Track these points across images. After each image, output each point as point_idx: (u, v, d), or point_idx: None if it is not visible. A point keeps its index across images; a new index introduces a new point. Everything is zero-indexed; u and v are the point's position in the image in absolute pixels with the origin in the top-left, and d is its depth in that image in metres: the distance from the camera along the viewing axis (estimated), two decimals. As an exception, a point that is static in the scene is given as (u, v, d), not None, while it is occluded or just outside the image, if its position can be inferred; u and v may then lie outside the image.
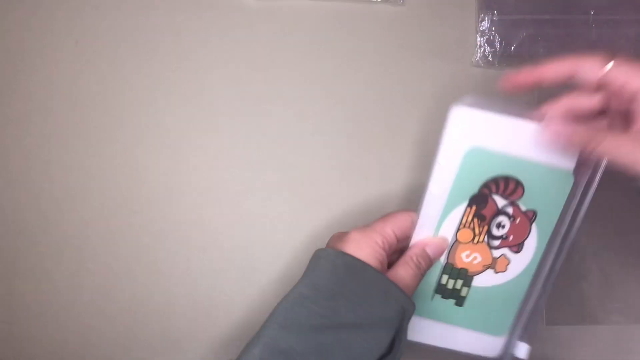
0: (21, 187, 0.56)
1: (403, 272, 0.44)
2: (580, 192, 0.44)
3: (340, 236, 0.44)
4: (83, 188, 0.56)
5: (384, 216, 0.46)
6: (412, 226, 0.45)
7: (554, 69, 0.42)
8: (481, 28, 0.56)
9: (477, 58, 0.56)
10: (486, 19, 0.56)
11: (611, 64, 0.40)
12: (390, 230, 0.44)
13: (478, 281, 0.46)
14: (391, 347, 0.42)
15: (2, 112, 0.56)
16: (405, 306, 0.42)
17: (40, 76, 0.56)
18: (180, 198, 0.56)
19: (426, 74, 0.56)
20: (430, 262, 0.46)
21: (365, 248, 0.43)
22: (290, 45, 0.56)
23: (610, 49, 0.41)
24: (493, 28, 0.56)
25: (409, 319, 0.43)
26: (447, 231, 0.45)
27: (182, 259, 0.56)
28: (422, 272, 0.45)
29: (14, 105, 0.56)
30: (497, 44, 0.56)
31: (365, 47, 0.55)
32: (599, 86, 0.41)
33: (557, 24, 0.56)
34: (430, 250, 0.45)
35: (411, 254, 0.45)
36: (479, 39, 0.56)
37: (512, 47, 0.56)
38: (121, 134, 0.56)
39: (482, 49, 0.56)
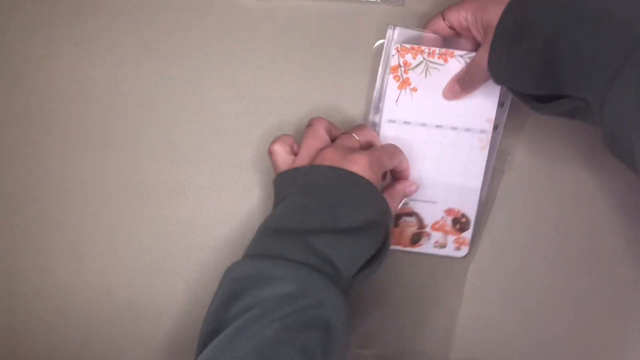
0: (21, 187, 0.56)
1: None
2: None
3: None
4: (83, 188, 0.56)
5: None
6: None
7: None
8: (481, 28, 0.56)
9: (477, 58, 0.55)
10: (486, 18, 0.56)
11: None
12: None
13: None
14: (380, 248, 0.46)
15: (3, 112, 0.56)
16: (388, 209, 0.47)
17: (41, 77, 0.56)
18: (180, 198, 0.56)
19: (426, 74, 0.56)
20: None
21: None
22: (289, 45, 0.56)
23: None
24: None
25: (392, 220, 0.49)
26: None
27: (181, 259, 0.56)
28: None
29: (14, 105, 0.56)
30: (497, 43, 0.55)
31: (365, 47, 0.55)
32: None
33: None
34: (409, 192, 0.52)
35: (398, 190, 0.51)
36: (478, 38, 0.56)
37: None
38: (121, 134, 0.56)
39: (482, 48, 0.55)
